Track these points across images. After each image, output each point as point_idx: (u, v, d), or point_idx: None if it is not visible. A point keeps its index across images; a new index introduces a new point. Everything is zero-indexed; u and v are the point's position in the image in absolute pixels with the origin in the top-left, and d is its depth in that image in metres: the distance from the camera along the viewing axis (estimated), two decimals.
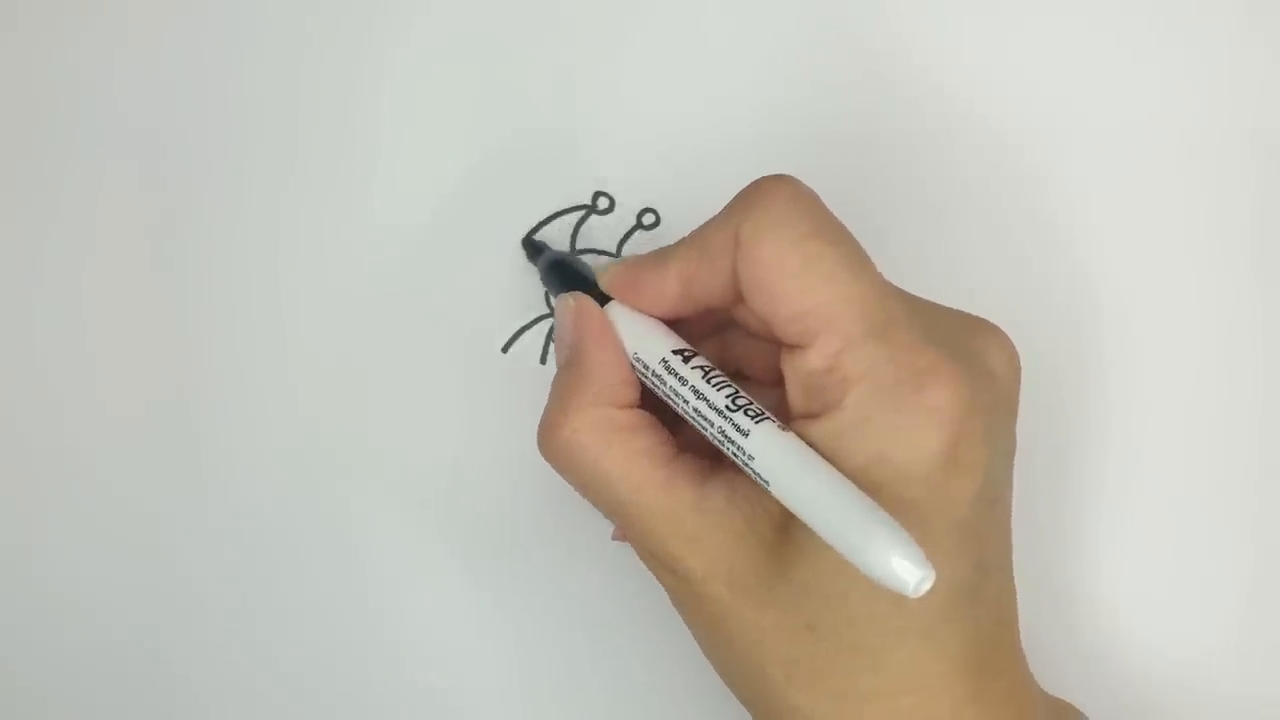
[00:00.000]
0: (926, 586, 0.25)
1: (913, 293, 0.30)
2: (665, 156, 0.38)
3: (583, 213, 0.38)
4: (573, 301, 0.32)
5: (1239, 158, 0.38)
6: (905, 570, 0.25)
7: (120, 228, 0.38)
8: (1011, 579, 0.31)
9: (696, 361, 0.30)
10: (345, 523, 0.37)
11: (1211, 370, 0.37)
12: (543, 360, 0.37)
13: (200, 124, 0.38)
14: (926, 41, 0.38)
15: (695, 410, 0.29)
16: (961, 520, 0.28)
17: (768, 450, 0.27)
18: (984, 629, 0.30)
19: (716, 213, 0.29)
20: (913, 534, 0.25)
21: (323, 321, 0.38)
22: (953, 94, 0.38)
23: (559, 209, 0.38)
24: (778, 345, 0.29)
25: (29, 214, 0.38)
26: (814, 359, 0.28)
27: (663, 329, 0.31)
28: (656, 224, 0.38)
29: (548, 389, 0.31)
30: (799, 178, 0.29)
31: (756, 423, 0.28)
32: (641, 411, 0.30)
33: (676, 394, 0.29)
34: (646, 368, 0.30)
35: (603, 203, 0.38)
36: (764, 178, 0.29)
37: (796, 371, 0.29)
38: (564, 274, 0.34)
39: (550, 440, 0.30)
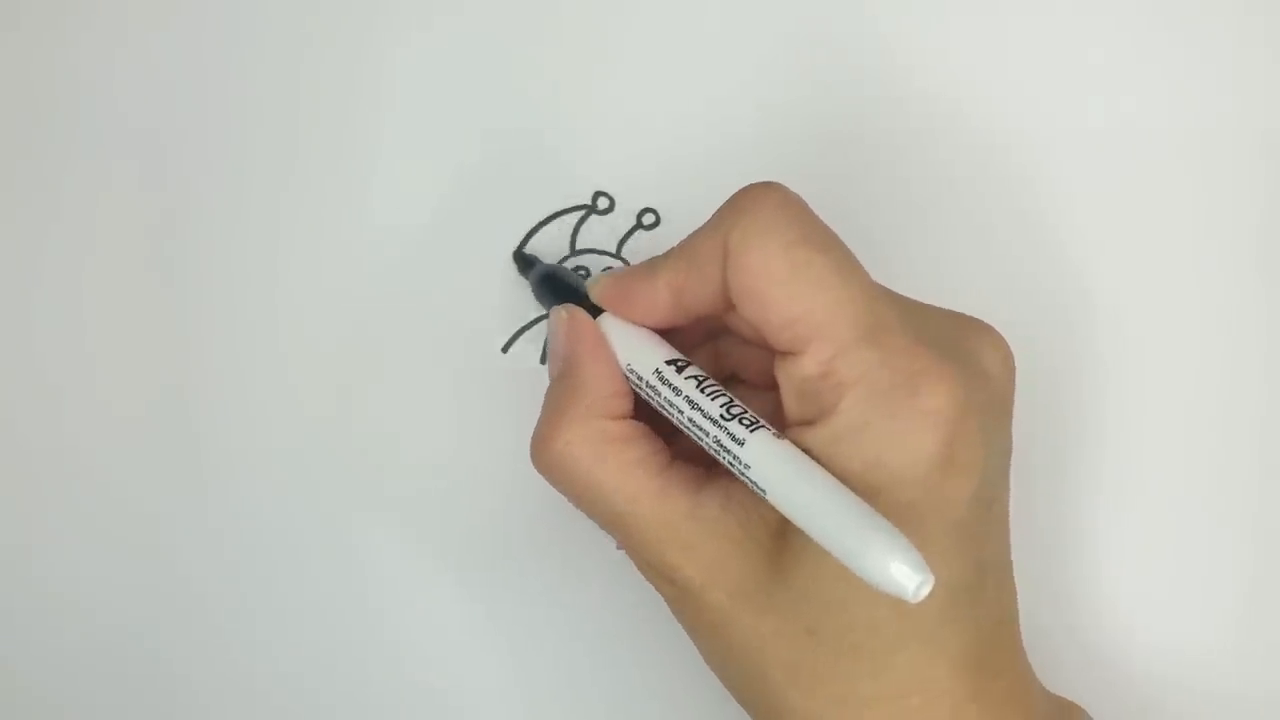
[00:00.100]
0: (926, 591, 0.25)
1: (908, 294, 0.31)
2: (665, 156, 0.38)
3: (583, 213, 0.38)
4: (565, 314, 0.32)
5: (1238, 157, 0.38)
6: (904, 575, 0.25)
7: (120, 228, 0.38)
8: (1011, 578, 0.31)
9: (690, 371, 0.30)
10: (344, 522, 0.37)
11: (1210, 368, 0.37)
12: (542, 360, 0.37)
13: (200, 125, 0.38)
14: (927, 42, 0.38)
15: (690, 420, 0.29)
16: (959, 521, 0.28)
17: (763, 458, 0.27)
18: (984, 629, 0.30)
19: (704, 222, 0.30)
20: (911, 536, 0.25)
21: (322, 321, 0.38)
22: (953, 94, 0.38)
23: (559, 209, 0.38)
24: (771, 351, 0.29)
25: (29, 214, 0.38)
26: (808, 365, 0.28)
27: (655, 339, 0.31)
28: (656, 224, 0.38)
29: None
30: (787, 183, 0.29)
31: (751, 431, 0.28)
32: (634, 422, 0.30)
33: (671, 404, 0.29)
34: (640, 379, 0.30)
35: (603, 203, 0.38)
36: (751, 185, 0.29)
37: (790, 378, 0.29)
38: (555, 287, 0.34)
39: (543, 453, 0.30)
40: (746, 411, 0.28)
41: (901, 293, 0.30)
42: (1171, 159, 0.38)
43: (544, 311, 0.37)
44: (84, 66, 0.38)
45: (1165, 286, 0.38)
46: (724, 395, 0.29)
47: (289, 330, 0.38)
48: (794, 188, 0.30)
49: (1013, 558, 0.31)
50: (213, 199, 0.38)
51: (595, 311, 0.32)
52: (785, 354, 0.29)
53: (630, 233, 0.38)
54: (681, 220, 0.37)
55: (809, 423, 0.28)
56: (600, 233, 0.38)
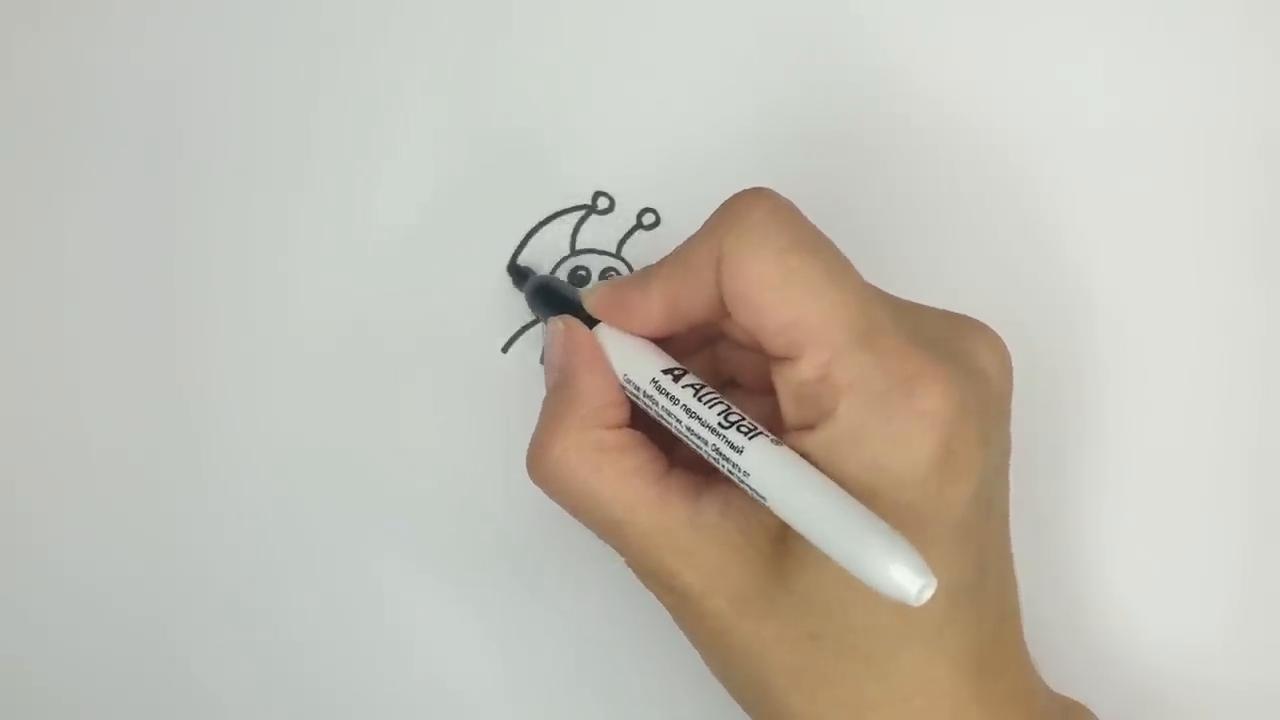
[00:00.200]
0: (928, 594, 0.25)
1: (909, 294, 0.31)
2: (665, 156, 0.38)
3: (582, 213, 0.38)
4: (561, 325, 0.32)
5: (1238, 157, 0.38)
6: (906, 579, 0.25)
7: (120, 227, 0.38)
8: (1012, 577, 0.31)
9: (687, 380, 0.30)
10: (344, 521, 0.37)
11: (1209, 367, 0.38)
12: (542, 360, 0.37)
13: (203, 127, 0.38)
14: (928, 42, 0.38)
15: (688, 429, 0.29)
16: (959, 522, 0.28)
17: (762, 466, 0.27)
18: (985, 628, 0.30)
19: (699, 226, 0.29)
20: (911, 539, 0.25)
21: (323, 321, 0.38)
22: (953, 94, 0.38)
23: (559, 209, 0.38)
24: (768, 356, 0.29)
25: (34, 212, 0.38)
26: (804, 370, 0.28)
27: (651, 349, 0.31)
28: (656, 224, 0.38)
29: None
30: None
31: (750, 438, 0.28)
32: (631, 431, 0.30)
33: (669, 413, 0.29)
34: (638, 388, 0.30)
35: (603, 203, 0.38)
36: (741, 192, 0.29)
37: (787, 383, 0.28)
38: (550, 298, 0.34)
39: (539, 464, 0.30)
40: (744, 419, 0.28)
41: (902, 293, 0.30)
42: (1171, 159, 0.38)
43: None
44: (88, 68, 0.38)
45: (1165, 286, 0.38)
46: (721, 403, 0.29)
47: (289, 330, 0.38)
48: (794, 188, 0.30)
49: (1014, 558, 0.31)
50: (216, 199, 0.38)
51: (591, 322, 0.32)
52: (781, 359, 0.29)
53: (630, 233, 0.38)
54: (681, 220, 0.37)
55: (807, 427, 0.28)
56: (600, 233, 0.38)
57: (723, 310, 0.29)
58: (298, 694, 0.37)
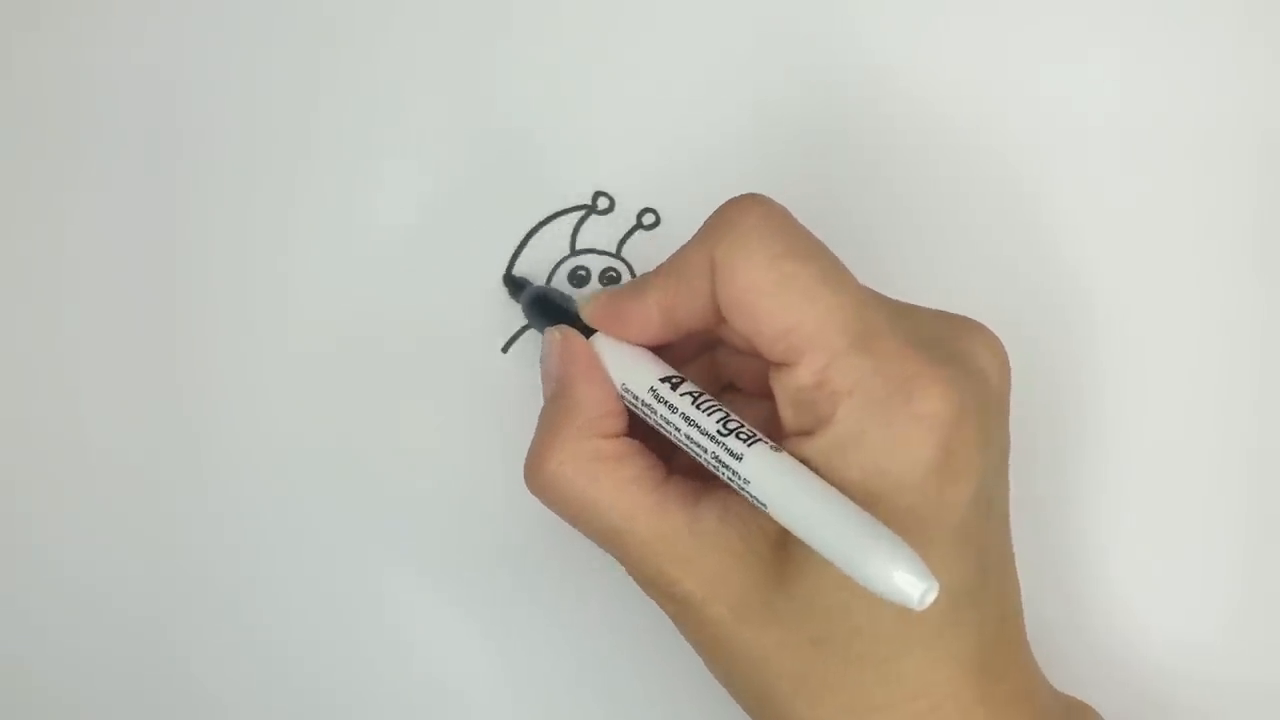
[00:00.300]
0: (931, 598, 0.25)
1: (908, 294, 0.30)
2: (665, 156, 0.38)
3: (582, 213, 0.38)
4: (558, 335, 0.32)
5: (1237, 157, 0.38)
6: (909, 584, 0.25)
7: (120, 227, 0.38)
8: (1014, 577, 0.31)
9: (685, 388, 0.30)
10: (344, 521, 0.37)
11: (1209, 367, 0.38)
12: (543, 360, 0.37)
13: (203, 127, 0.38)
14: (927, 42, 0.38)
15: (687, 437, 0.29)
16: (959, 524, 0.28)
17: (762, 473, 0.27)
18: (988, 630, 0.30)
19: (694, 233, 0.29)
20: (912, 542, 0.25)
21: (323, 321, 0.38)
22: (953, 94, 0.38)
23: (559, 209, 0.38)
24: (766, 361, 0.29)
25: (35, 213, 0.38)
26: (801, 376, 0.28)
27: (649, 357, 0.31)
28: (656, 224, 0.38)
29: None
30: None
31: (749, 446, 0.28)
32: (628, 440, 0.30)
33: (667, 422, 0.29)
34: (636, 397, 0.30)
35: (603, 203, 0.38)
36: (734, 199, 0.29)
37: (785, 389, 0.28)
38: (547, 308, 0.34)
39: (536, 475, 0.30)
40: (743, 426, 0.28)
41: (901, 293, 0.30)
42: (1171, 159, 0.38)
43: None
44: (88, 68, 0.38)
45: (1164, 286, 0.38)
46: (720, 410, 0.29)
47: (289, 329, 0.38)
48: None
49: (1016, 559, 0.31)
50: (216, 198, 0.38)
51: (588, 332, 0.32)
52: (778, 365, 0.29)
53: (630, 233, 0.38)
54: (681, 220, 0.37)
55: (806, 433, 0.28)
56: (600, 233, 0.38)
57: (719, 317, 0.29)
58: (298, 694, 0.37)
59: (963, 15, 0.38)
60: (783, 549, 0.29)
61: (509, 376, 0.37)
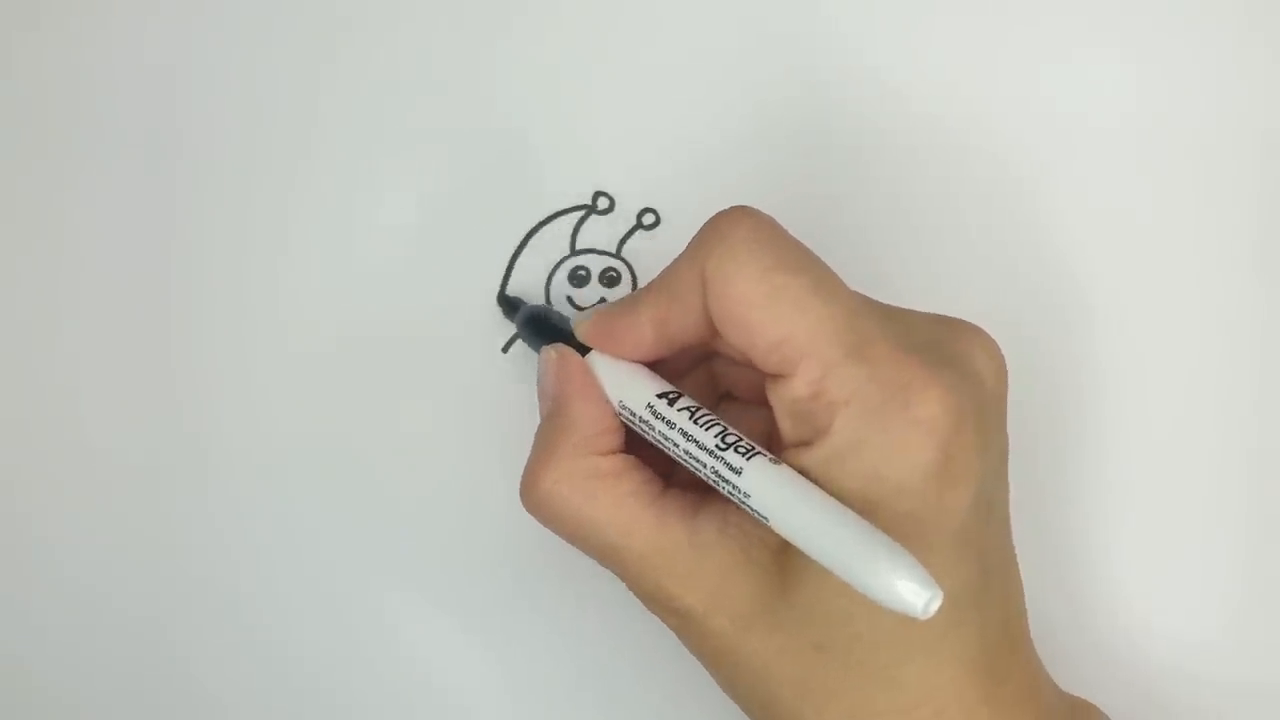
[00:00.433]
0: (935, 606, 0.25)
1: (907, 296, 0.30)
2: (665, 156, 0.38)
3: (582, 213, 0.38)
4: (554, 354, 0.31)
5: (1238, 157, 0.38)
6: (912, 594, 0.25)
7: (119, 227, 0.38)
8: (1016, 579, 0.31)
9: (682, 403, 0.30)
10: (344, 521, 0.37)
11: (1209, 367, 0.38)
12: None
13: (204, 127, 0.38)
14: (927, 42, 0.38)
15: (686, 452, 0.29)
16: (960, 528, 0.28)
17: (762, 486, 0.27)
18: (990, 633, 0.30)
19: (679, 254, 0.29)
20: (912, 548, 0.25)
21: (323, 321, 0.38)
22: (952, 95, 0.38)
23: (558, 209, 0.38)
24: (761, 373, 0.29)
25: (35, 213, 0.38)
26: (797, 387, 0.28)
27: (645, 373, 0.31)
28: (656, 224, 0.38)
29: None
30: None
31: (748, 459, 0.28)
32: (625, 456, 0.30)
33: (666, 437, 0.29)
34: (633, 414, 0.30)
35: (603, 203, 0.38)
36: (723, 212, 0.29)
37: (782, 400, 0.28)
38: (541, 327, 0.34)
39: (532, 493, 0.30)
40: (741, 439, 0.28)
41: (899, 294, 0.30)
42: (1171, 159, 0.38)
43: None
44: (88, 68, 0.38)
45: (1164, 286, 0.38)
46: (718, 424, 0.29)
47: (289, 330, 0.38)
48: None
49: (1018, 559, 0.31)
50: (216, 198, 0.38)
51: (583, 350, 0.32)
52: (774, 377, 0.28)
53: (630, 233, 0.38)
54: (681, 220, 0.37)
55: (805, 444, 0.28)
56: (600, 233, 0.38)
57: (712, 330, 0.29)
58: (297, 694, 0.37)
59: (963, 15, 0.38)
60: (782, 557, 0.29)
61: (509, 377, 0.37)
